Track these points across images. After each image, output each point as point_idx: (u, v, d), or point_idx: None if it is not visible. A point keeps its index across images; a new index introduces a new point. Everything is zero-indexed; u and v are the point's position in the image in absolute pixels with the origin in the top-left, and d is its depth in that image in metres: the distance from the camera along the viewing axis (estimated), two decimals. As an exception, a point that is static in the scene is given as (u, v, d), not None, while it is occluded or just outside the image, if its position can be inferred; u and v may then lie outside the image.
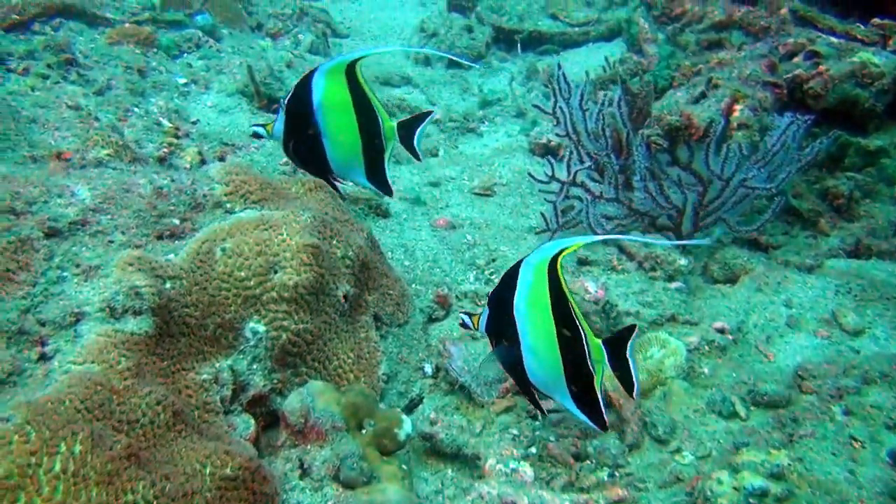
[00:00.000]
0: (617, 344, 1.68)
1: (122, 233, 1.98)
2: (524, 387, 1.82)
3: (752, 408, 2.06)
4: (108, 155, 2.21)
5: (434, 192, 3.22)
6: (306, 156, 2.28)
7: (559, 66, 2.66)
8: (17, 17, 3.70)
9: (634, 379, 1.66)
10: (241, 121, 3.43)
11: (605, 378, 1.71)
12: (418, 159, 2.38)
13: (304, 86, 2.21)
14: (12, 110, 2.62)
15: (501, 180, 3.38)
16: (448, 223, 2.92)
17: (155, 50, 3.81)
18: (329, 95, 2.20)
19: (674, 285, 2.47)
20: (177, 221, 2.08)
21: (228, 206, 2.18)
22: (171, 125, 3.05)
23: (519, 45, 5.38)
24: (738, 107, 2.69)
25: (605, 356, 1.69)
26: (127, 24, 3.86)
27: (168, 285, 1.88)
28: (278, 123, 2.27)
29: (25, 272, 1.76)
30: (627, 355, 1.67)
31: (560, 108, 2.60)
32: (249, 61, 3.93)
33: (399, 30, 5.92)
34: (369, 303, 2.30)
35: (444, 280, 2.60)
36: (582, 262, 2.60)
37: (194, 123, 3.34)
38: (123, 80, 3.24)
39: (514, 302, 1.74)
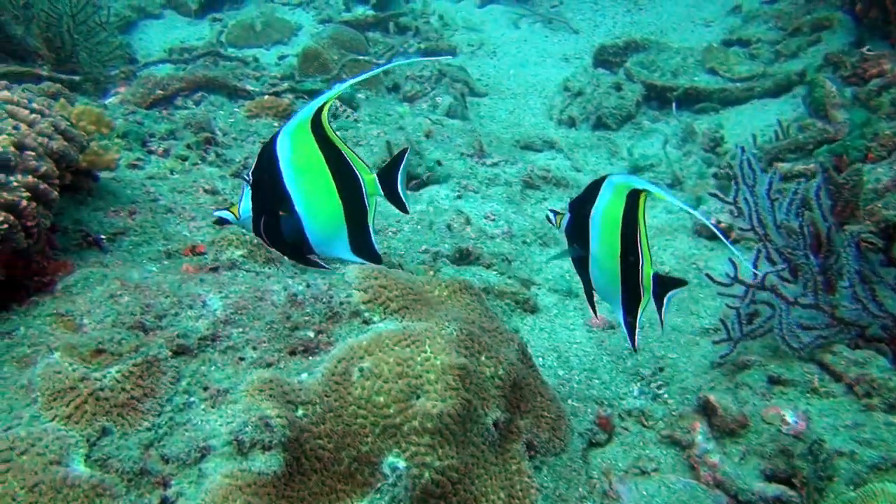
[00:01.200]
0: (665, 284, 1.95)
1: (254, 348, 1.85)
2: (586, 287, 2.11)
3: None
4: (242, 256, 2.12)
5: (587, 282, 2.95)
6: (281, 235, 2.05)
7: (743, 150, 2.34)
8: (162, 93, 3.83)
9: (661, 317, 1.95)
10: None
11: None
12: (406, 212, 2.22)
13: (269, 152, 1.98)
14: (150, 198, 2.62)
15: (663, 268, 3.06)
16: (605, 322, 2.63)
17: (292, 122, 3.81)
18: (298, 158, 1.98)
19: (899, 419, 2.05)
20: (311, 334, 1.93)
21: (367, 315, 2.01)
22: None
23: (674, 103, 5.06)
24: (973, 194, 2.27)
25: (652, 288, 1.95)
26: (266, 97, 3.90)
27: (300, 412, 1.72)
28: (244, 202, 2.04)
29: (151, 399, 1.65)
30: (666, 298, 1.93)
31: (744, 198, 2.28)
32: (387, 132, 3.86)
33: (540, 87, 5.76)
34: (521, 428, 2.05)
35: (605, 394, 2.31)
36: (773, 381, 2.24)
37: (329, 202, 3.26)
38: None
39: (592, 213, 1.99)
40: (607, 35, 6.46)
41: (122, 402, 1.61)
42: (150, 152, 3.06)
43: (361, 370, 1.82)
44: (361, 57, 5.02)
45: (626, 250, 1.94)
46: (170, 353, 1.74)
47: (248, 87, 4.04)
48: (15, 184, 1.79)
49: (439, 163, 3.64)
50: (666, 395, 2.28)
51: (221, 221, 2.17)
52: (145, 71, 4.29)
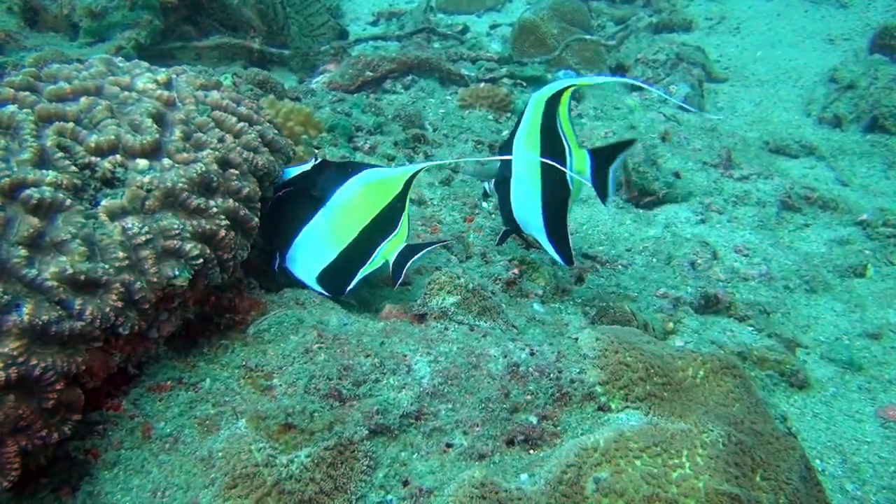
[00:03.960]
0: (604, 157, 1.95)
1: (465, 433, 1.57)
2: (509, 223, 2.14)
3: None
4: (455, 304, 1.83)
5: (874, 350, 2.40)
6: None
7: None
8: (372, 75, 3.67)
9: (610, 191, 1.97)
10: (603, 216, 2.94)
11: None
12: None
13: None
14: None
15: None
16: (904, 417, 2.10)
17: (508, 115, 3.51)
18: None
19: None
20: (534, 420, 1.62)
21: (603, 399, 1.67)
22: (522, 225, 2.66)
23: (981, 105, 4.18)
24: None
25: (589, 166, 1.96)
26: (482, 84, 3.62)
27: (518, 529, 1.42)
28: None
29: (342, 494, 1.42)
30: (610, 169, 1.94)
31: None
32: (616, 131, 3.45)
33: (796, 75, 5.03)
34: (797, 574, 1.61)
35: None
36: None
37: (547, 215, 2.93)
38: (472, 158, 2.94)
39: (515, 137, 1.99)
40: (887, 10, 5.53)
41: (308, 498, 1.39)
42: (356, 149, 2.88)
43: (597, 482, 1.48)
44: (588, 36, 4.59)
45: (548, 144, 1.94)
46: (366, 433, 1.49)
47: (463, 72, 3.77)
48: (214, 209, 1.61)
49: (678, 175, 3.18)
50: None
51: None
52: (357, 48, 4.16)
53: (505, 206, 2.12)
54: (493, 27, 5.99)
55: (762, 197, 3.22)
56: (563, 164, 1.96)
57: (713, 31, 5.92)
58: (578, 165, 1.98)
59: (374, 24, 5.89)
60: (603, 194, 1.99)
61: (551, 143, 1.97)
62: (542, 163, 1.96)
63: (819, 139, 4.21)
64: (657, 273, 2.55)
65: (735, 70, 5.29)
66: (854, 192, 3.71)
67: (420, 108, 3.38)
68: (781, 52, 5.36)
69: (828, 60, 4.99)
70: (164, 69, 1.83)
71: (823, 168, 3.95)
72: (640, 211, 3.01)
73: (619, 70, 5.04)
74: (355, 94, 3.53)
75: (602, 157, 1.98)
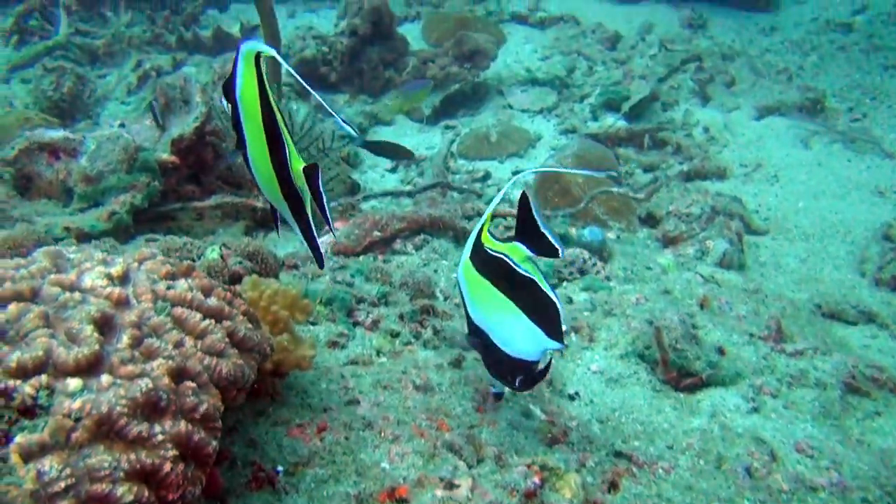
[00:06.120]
0: (528, 229, 1.87)
1: None
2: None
3: None
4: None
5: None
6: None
7: None
8: (380, 235, 3.52)
9: (554, 241, 1.84)
10: (637, 400, 2.66)
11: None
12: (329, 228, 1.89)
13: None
14: (347, 399, 2.19)
15: None
16: None
17: (529, 278, 3.30)
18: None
19: None
20: None
21: None
22: (545, 416, 2.39)
23: None
24: None
25: (527, 251, 1.89)
26: (499, 246, 3.44)
27: None
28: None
29: None
30: (542, 229, 1.84)
31: None
32: (648, 296, 3.21)
33: (844, 229, 4.83)
34: None
35: None
36: None
37: (572, 399, 2.66)
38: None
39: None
40: (937, 160, 5.40)
41: None
42: (357, 323, 2.66)
43: None
44: (615, 189, 4.46)
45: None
46: None
47: (479, 231, 3.61)
48: (160, 437, 1.37)
49: (721, 351, 2.91)
50: None
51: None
52: (367, 204, 4.05)
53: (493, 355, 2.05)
54: (515, 173, 5.93)
55: (821, 377, 2.91)
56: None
57: (749, 179, 5.79)
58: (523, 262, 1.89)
59: (394, 170, 5.86)
60: (552, 250, 1.86)
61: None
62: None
63: (878, 303, 3.95)
64: (706, 480, 2.23)
65: (776, 222, 5.10)
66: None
67: (430, 272, 3.19)
68: (826, 204, 5.18)
69: (878, 214, 4.80)
70: (121, 259, 1.64)
71: (887, 338, 3.65)
72: (681, 395, 2.72)
73: (650, 219, 4.89)
74: (362, 256, 3.36)
75: (530, 230, 1.87)
